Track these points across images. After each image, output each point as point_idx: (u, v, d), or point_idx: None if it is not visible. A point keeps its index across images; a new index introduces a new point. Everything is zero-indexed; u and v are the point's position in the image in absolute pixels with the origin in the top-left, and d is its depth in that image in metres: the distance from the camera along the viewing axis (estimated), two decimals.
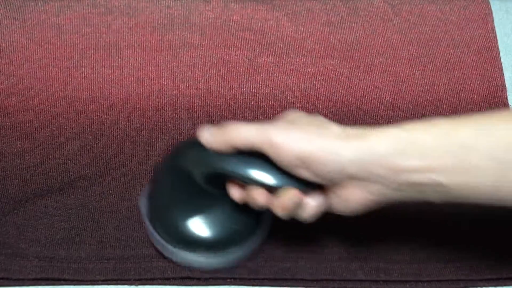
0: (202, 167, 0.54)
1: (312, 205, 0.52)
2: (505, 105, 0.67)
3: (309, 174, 0.50)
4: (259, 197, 0.52)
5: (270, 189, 0.52)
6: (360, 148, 0.48)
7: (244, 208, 0.55)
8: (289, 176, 0.51)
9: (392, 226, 0.61)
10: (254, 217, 0.57)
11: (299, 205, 0.52)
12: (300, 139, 0.49)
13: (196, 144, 0.53)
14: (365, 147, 0.48)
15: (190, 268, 0.58)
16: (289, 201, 0.51)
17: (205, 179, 0.55)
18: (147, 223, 0.58)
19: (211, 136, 0.52)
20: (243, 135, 0.51)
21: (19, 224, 0.61)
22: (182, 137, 0.66)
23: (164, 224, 0.57)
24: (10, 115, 0.67)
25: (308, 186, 0.51)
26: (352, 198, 0.50)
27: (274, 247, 0.60)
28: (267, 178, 0.51)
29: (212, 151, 0.53)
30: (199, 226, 0.56)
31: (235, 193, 0.54)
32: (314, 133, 0.49)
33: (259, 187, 0.52)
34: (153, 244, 0.59)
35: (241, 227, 0.57)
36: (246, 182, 0.52)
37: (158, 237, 0.58)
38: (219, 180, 0.54)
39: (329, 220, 0.62)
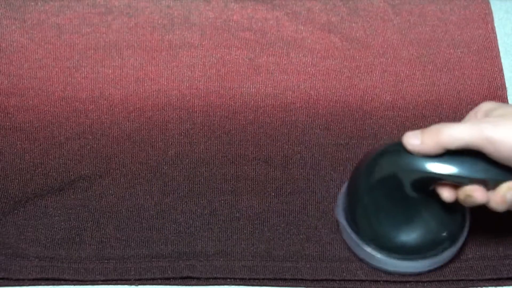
0: (411, 173, 0.53)
1: None
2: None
3: None
4: (477, 194, 0.52)
5: (487, 185, 0.52)
6: None
7: (450, 209, 0.56)
8: (506, 169, 0.51)
9: None
10: (458, 218, 0.57)
11: None
12: None
13: (400, 150, 0.53)
14: None
15: (190, 268, 0.58)
16: (510, 194, 0.52)
17: (412, 185, 0.54)
18: (348, 229, 0.57)
19: (419, 140, 0.52)
20: (457, 135, 0.51)
21: (19, 224, 0.61)
22: (182, 137, 0.66)
23: (373, 233, 0.57)
24: (10, 115, 0.67)
25: None
26: None
27: (274, 247, 0.60)
28: (485, 173, 0.52)
29: (419, 155, 0.52)
30: (409, 233, 0.56)
31: (447, 194, 0.54)
32: None
33: (475, 185, 0.52)
34: (352, 250, 0.59)
35: (450, 229, 0.57)
36: (461, 182, 0.52)
37: (365, 247, 0.57)
38: (426, 184, 0.54)
39: (329, 220, 0.62)
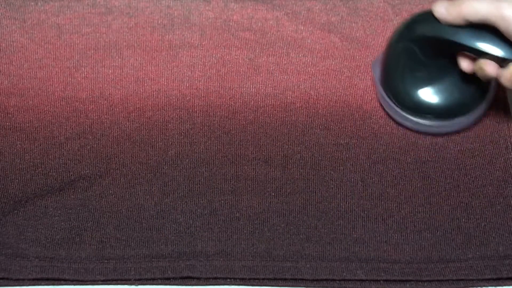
0: (436, 37, 0.60)
1: None
2: (505, 105, 0.67)
3: None
4: (488, 68, 0.58)
5: (500, 62, 0.58)
6: None
7: (471, 80, 0.62)
8: None
9: (392, 226, 0.61)
10: (479, 89, 0.63)
11: None
12: None
13: (429, 16, 0.60)
14: None
15: (190, 268, 0.58)
16: None
17: (437, 49, 0.61)
18: (380, 89, 0.65)
19: (445, 9, 0.58)
20: (476, 8, 0.56)
21: (19, 224, 0.61)
22: (182, 137, 0.66)
23: (396, 91, 0.64)
24: (10, 115, 0.67)
25: None
26: None
27: (274, 247, 0.60)
28: (498, 50, 0.57)
29: (446, 23, 0.59)
30: (429, 94, 0.63)
31: (465, 64, 0.60)
32: None
33: (489, 59, 0.58)
34: (383, 108, 0.66)
35: (468, 97, 0.63)
36: (477, 55, 0.58)
37: (390, 103, 0.65)
38: (449, 51, 0.61)
39: (329, 220, 0.62)
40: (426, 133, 0.65)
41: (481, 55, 0.58)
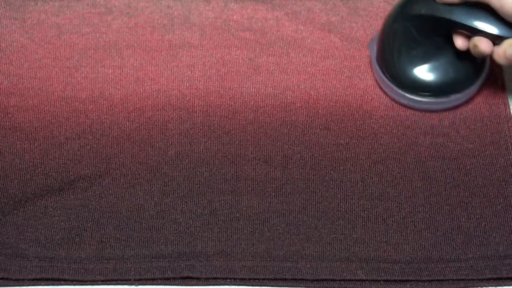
0: (431, 15, 0.62)
1: None
2: (505, 105, 0.67)
3: None
4: (483, 45, 0.60)
5: (494, 39, 0.60)
6: None
7: (466, 57, 0.63)
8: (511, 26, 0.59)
9: (392, 226, 0.61)
10: (473, 66, 0.65)
11: None
12: None
13: None
14: None
15: (190, 268, 0.58)
16: (510, 50, 0.59)
17: (432, 28, 0.63)
18: (377, 67, 0.67)
19: None
20: None
21: (19, 224, 0.61)
22: (182, 137, 0.66)
23: (392, 69, 0.66)
24: (10, 115, 0.67)
25: None
26: None
27: (274, 247, 0.60)
28: (492, 28, 0.59)
29: (441, 2, 0.61)
30: (425, 72, 0.65)
31: (460, 41, 0.62)
32: None
33: (483, 37, 0.60)
34: (381, 87, 0.67)
35: (462, 74, 0.65)
36: (472, 32, 0.60)
37: (387, 81, 0.66)
38: (444, 30, 0.62)
39: (329, 220, 0.62)
40: (422, 110, 0.67)
41: (475, 33, 0.60)
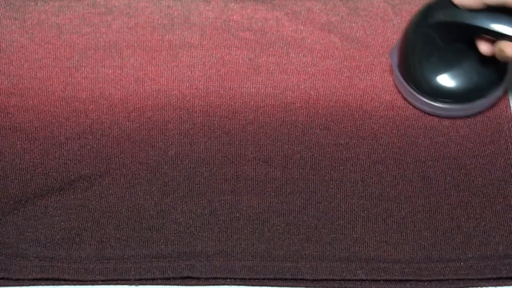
0: (453, 21, 0.61)
1: None
2: (505, 105, 0.67)
3: None
4: (509, 49, 0.59)
5: None
6: None
7: (488, 62, 0.63)
8: None
9: (392, 226, 0.61)
10: (496, 71, 0.65)
11: None
12: None
13: (445, 2, 0.61)
14: None
15: (190, 268, 0.58)
16: None
17: (455, 34, 0.63)
18: (399, 76, 0.66)
19: None
20: None
21: (19, 224, 0.61)
22: (182, 137, 0.66)
23: (415, 77, 0.65)
24: (10, 115, 0.67)
25: None
26: None
27: (274, 247, 0.60)
28: None
29: (464, 8, 0.60)
30: (448, 79, 0.64)
31: (484, 47, 0.62)
32: None
33: (508, 41, 0.59)
34: (403, 96, 0.67)
35: (486, 80, 0.65)
36: (496, 37, 0.60)
37: (410, 89, 0.66)
38: (467, 35, 0.63)
39: (329, 220, 0.62)
40: (446, 117, 0.66)
41: (500, 37, 0.60)
